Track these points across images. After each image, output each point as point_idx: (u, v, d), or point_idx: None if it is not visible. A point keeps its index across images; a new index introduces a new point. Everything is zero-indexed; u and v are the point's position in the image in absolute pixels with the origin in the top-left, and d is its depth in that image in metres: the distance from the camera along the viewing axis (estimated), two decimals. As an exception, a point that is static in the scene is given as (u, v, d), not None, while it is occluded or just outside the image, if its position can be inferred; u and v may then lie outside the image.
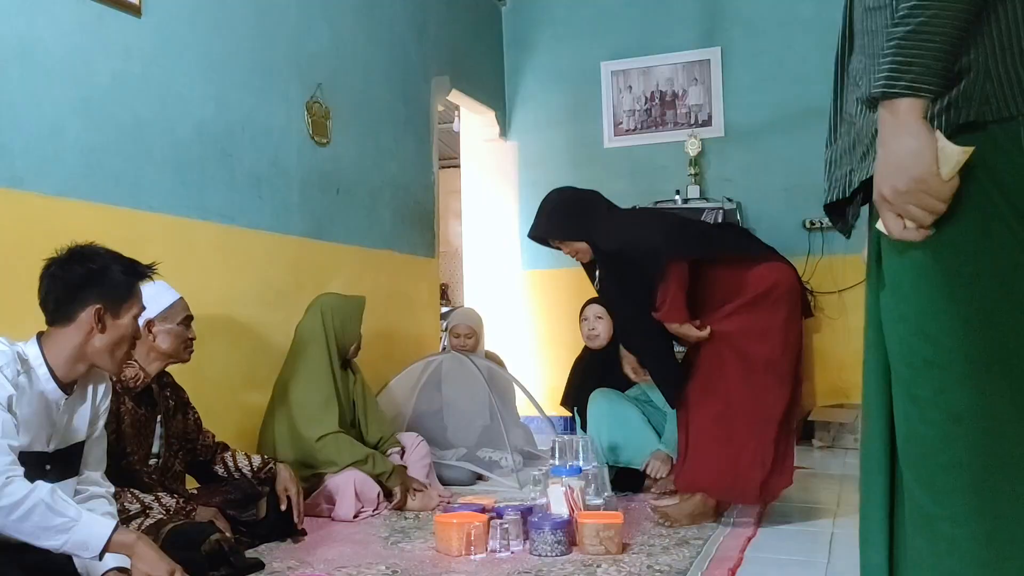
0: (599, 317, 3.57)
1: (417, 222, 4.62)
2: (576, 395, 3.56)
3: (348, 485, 2.97)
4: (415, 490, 3.13)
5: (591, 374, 3.57)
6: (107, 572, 1.83)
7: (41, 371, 1.86)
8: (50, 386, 1.87)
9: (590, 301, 3.62)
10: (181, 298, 2.52)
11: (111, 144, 2.71)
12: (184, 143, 3.00)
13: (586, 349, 3.70)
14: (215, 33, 3.16)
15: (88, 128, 2.63)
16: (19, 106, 2.41)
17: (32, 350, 1.88)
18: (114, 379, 2.28)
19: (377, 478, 3.06)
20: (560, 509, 2.52)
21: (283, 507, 2.59)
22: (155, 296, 2.41)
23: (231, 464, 2.67)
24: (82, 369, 1.92)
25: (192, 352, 2.54)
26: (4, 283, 2.33)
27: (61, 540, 1.71)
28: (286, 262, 3.53)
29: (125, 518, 2.21)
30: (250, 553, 2.41)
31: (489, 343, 5.37)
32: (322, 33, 3.82)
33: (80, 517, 1.73)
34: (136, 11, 2.79)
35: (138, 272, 1.97)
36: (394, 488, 3.07)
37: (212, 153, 3.13)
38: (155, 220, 2.86)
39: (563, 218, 2.87)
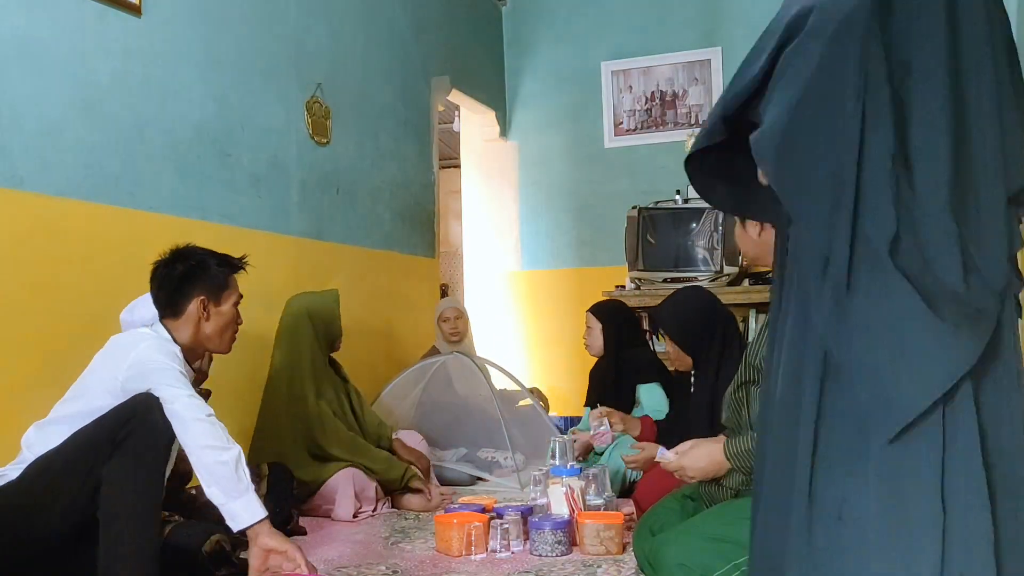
0: (589, 327, 3.57)
1: (417, 222, 4.62)
2: (596, 401, 3.58)
3: (348, 485, 2.97)
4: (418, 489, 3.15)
5: (600, 383, 3.57)
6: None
7: (177, 350, 2.08)
8: (184, 367, 2.09)
9: (589, 309, 3.63)
10: None
11: (111, 144, 2.71)
12: (184, 143, 3.00)
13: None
14: (215, 33, 3.16)
15: (88, 128, 2.63)
16: (19, 106, 2.41)
17: (165, 334, 2.10)
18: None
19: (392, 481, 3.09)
20: (561, 509, 2.52)
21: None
22: None
23: None
24: (199, 353, 2.20)
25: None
26: (5, 283, 2.32)
27: (223, 499, 1.84)
28: (286, 262, 3.52)
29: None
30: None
31: (489, 343, 5.38)
32: (322, 33, 3.82)
33: (247, 492, 1.86)
34: (136, 11, 2.79)
35: (231, 264, 2.20)
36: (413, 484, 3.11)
37: (212, 153, 3.13)
38: (155, 220, 2.86)
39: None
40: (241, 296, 2.23)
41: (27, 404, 2.11)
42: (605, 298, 4.26)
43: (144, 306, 2.47)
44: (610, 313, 3.57)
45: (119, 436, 1.81)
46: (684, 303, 2.81)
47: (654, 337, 4.83)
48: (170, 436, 1.86)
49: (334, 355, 3.31)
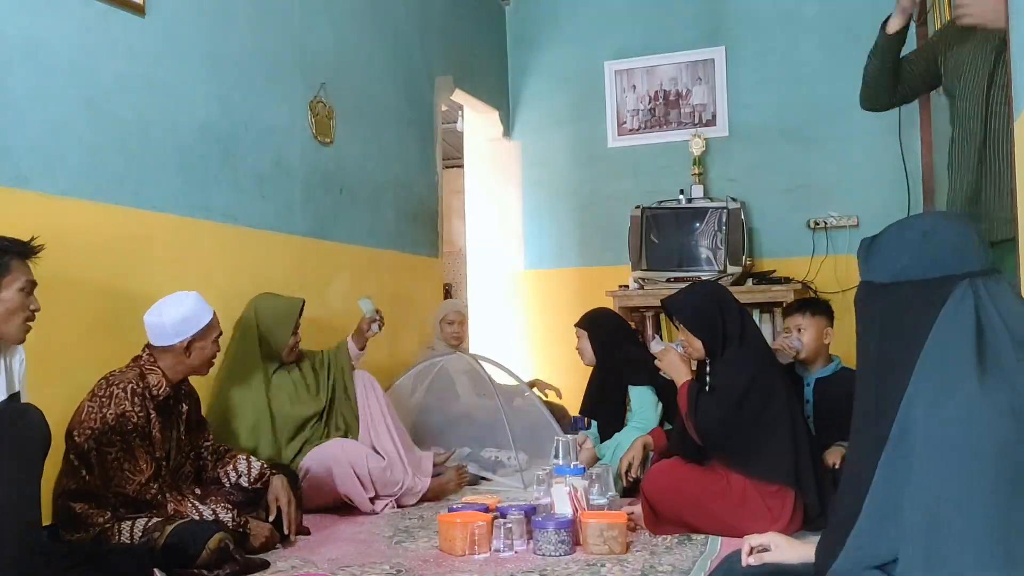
0: (578, 339, 3.61)
1: (421, 222, 4.62)
2: (588, 408, 3.61)
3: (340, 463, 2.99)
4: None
5: (594, 389, 3.60)
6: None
7: None
8: None
9: (576, 323, 3.65)
10: (215, 314, 2.58)
11: (115, 144, 2.71)
12: (188, 143, 3.00)
13: None
14: (219, 33, 3.16)
15: (92, 128, 2.63)
16: (24, 106, 2.42)
17: None
18: (140, 387, 2.38)
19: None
20: (564, 509, 2.52)
21: (271, 517, 2.57)
22: (196, 315, 2.49)
23: (232, 474, 2.67)
24: None
25: (212, 367, 2.62)
26: (8, 282, 2.32)
27: None
28: (289, 262, 3.53)
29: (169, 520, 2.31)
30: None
31: (492, 343, 5.38)
32: (326, 33, 3.82)
33: None
34: (140, 11, 2.80)
35: (12, 249, 2.04)
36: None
37: (215, 153, 3.13)
38: (159, 219, 2.86)
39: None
40: (32, 282, 2.06)
41: (30, 402, 2.10)
42: (608, 297, 4.27)
43: (173, 305, 2.48)
44: (592, 322, 3.62)
45: None
46: (696, 291, 2.89)
47: (658, 335, 4.83)
48: (44, 436, 1.85)
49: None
